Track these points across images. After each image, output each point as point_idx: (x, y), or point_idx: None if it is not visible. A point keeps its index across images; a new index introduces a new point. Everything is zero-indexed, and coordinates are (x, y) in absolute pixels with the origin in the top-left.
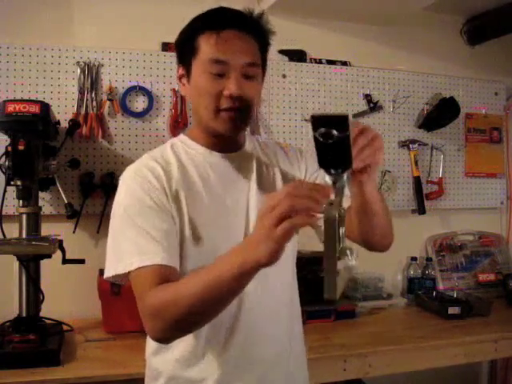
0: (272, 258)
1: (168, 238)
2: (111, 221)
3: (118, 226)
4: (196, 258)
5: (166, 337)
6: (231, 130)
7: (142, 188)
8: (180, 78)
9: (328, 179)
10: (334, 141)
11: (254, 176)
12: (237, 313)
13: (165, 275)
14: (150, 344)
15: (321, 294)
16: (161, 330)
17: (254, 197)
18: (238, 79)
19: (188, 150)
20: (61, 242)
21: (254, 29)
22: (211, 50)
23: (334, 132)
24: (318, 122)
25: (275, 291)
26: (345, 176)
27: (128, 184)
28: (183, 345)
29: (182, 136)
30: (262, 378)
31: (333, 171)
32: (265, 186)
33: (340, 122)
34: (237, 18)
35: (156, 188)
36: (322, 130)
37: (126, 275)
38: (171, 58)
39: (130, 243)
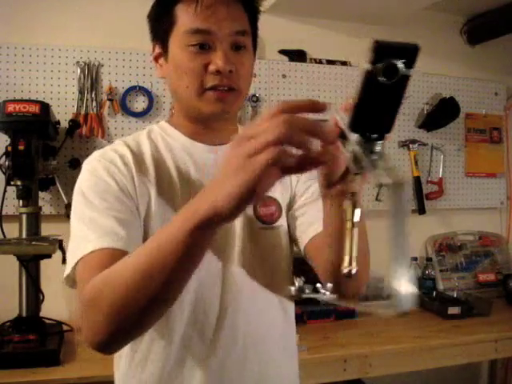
0: (235, 202)
1: (132, 227)
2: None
3: (76, 213)
4: None
5: (105, 338)
6: (219, 113)
7: (106, 171)
8: (156, 58)
9: (358, 149)
10: (394, 82)
11: None
12: (220, 317)
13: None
14: (117, 364)
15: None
16: (98, 328)
17: None
18: (226, 51)
19: (166, 137)
20: (61, 242)
21: None
22: (190, 20)
23: (401, 66)
24: (382, 50)
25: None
26: (379, 146)
27: (91, 166)
28: (156, 359)
29: (162, 122)
30: None
31: (368, 135)
32: None
33: (410, 54)
34: None
35: (123, 174)
36: (389, 62)
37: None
38: None
39: (88, 228)
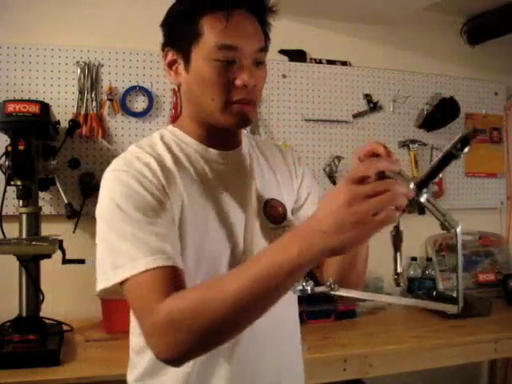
0: (352, 247)
1: (174, 239)
2: (100, 222)
3: (111, 226)
4: (195, 264)
5: (183, 355)
6: (241, 125)
7: (138, 182)
8: (170, 64)
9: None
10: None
11: (254, 177)
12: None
13: (177, 280)
14: (136, 366)
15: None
16: (179, 346)
17: (254, 198)
18: (250, 67)
19: (180, 143)
20: (61, 242)
21: (259, 8)
22: (219, 35)
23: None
24: (467, 139)
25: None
26: (427, 194)
27: (120, 177)
28: (175, 371)
29: (171, 127)
30: None
31: (424, 190)
32: (266, 188)
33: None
34: None
35: (154, 184)
36: (469, 148)
37: (121, 286)
38: None
39: (130, 244)
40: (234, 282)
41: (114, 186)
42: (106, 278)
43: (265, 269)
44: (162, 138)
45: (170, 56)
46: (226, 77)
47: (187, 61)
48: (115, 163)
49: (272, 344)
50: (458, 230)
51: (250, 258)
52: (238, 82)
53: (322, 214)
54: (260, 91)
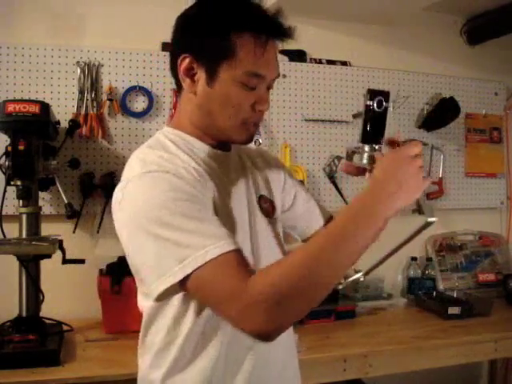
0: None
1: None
2: (146, 224)
3: (168, 224)
4: None
5: (283, 326)
6: (249, 141)
7: (182, 180)
8: (187, 70)
9: (366, 156)
10: (382, 110)
11: (248, 176)
12: None
13: (247, 261)
14: (159, 365)
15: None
16: (282, 318)
17: (252, 195)
18: (267, 93)
19: (186, 143)
20: (61, 242)
21: (286, 37)
22: (254, 63)
23: (384, 102)
24: (374, 93)
25: None
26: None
27: (161, 177)
28: (202, 362)
29: (169, 129)
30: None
31: (375, 146)
32: (257, 185)
33: (387, 95)
34: (282, 27)
35: (193, 181)
36: (379, 97)
37: (178, 283)
38: None
39: (195, 235)
40: (324, 239)
41: (159, 186)
42: (171, 274)
43: (354, 227)
44: (171, 140)
45: (188, 63)
46: (249, 101)
47: (212, 75)
48: (144, 166)
49: (282, 347)
50: None
51: (257, 252)
52: (259, 107)
53: (393, 179)
54: None
